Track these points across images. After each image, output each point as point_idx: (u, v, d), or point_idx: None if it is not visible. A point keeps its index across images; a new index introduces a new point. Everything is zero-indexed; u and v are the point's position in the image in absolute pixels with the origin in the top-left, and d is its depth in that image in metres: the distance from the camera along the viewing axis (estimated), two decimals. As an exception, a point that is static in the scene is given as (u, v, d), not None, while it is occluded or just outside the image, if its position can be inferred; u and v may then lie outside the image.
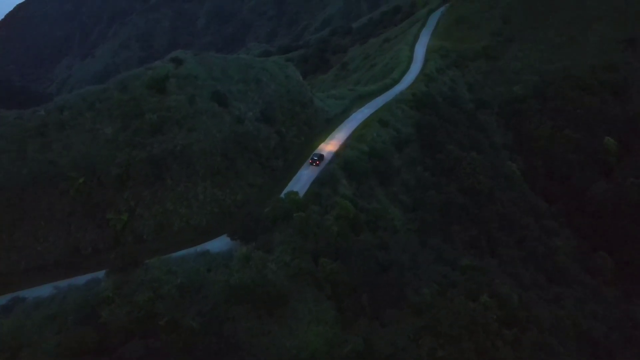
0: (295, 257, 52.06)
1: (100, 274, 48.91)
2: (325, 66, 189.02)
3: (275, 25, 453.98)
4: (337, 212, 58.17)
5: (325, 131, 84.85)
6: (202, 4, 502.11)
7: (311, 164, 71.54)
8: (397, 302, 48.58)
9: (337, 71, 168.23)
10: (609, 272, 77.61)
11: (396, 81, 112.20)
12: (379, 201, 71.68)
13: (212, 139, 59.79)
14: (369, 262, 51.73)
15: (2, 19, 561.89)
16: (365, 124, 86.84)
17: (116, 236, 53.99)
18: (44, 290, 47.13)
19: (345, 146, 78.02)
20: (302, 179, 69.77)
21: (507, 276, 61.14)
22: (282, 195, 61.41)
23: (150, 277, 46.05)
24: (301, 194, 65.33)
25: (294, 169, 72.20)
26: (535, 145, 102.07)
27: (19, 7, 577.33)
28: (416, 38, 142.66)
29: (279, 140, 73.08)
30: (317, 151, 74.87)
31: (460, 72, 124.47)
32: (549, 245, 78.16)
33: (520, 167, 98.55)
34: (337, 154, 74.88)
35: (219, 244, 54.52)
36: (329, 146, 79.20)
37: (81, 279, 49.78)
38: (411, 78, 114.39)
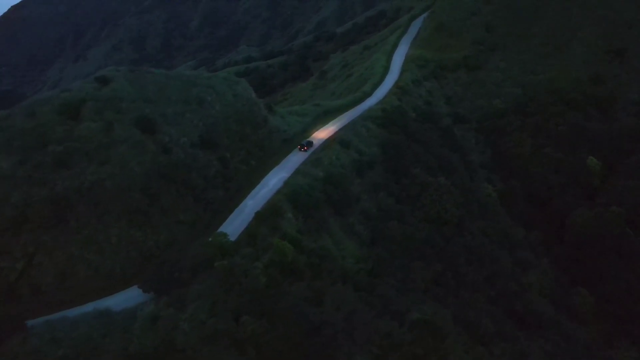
0: (213, 314, 44.98)
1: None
2: (306, 74, 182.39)
3: (269, 28, 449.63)
4: (269, 257, 51.04)
5: (280, 153, 77.87)
6: (196, 6, 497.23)
7: (299, 149, 76.88)
8: (326, 372, 41.41)
9: (315, 80, 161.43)
10: (588, 311, 70.48)
11: (367, 94, 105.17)
12: (331, 235, 64.56)
13: (129, 173, 52.57)
14: (298, 321, 44.54)
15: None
16: (325, 146, 79.78)
17: (10, 288, 46.78)
18: None
19: (296, 172, 71.04)
20: (246, 210, 62.80)
21: (466, 328, 53.91)
22: (217, 233, 54.40)
23: (27, 348, 38.90)
24: (239, 231, 58.57)
25: (238, 199, 65.21)
26: (514, 165, 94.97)
27: (13, 9, 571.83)
28: (395, 46, 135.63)
29: (221, 167, 65.95)
30: (309, 139, 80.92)
31: (439, 83, 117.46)
32: (521, 282, 71.00)
33: (498, 189, 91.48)
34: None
35: (128, 296, 47.40)
36: (283, 172, 72.38)
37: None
38: (384, 91, 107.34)
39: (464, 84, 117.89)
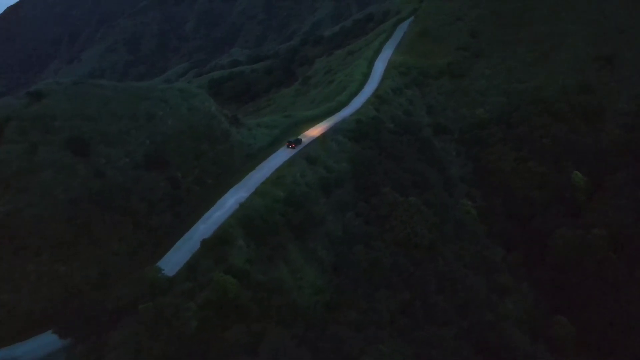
0: (134, 366, 39.99)
1: None
2: (291, 79, 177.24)
3: (265, 29, 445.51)
4: (206, 295, 46.04)
5: (242, 170, 72.90)
6: (191, 8, 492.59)
7: (287, 146, 77.34)
8: None
9: (299, 85, 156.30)
10: (569, 342, 65.40)
11: (343, 104, 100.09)
12: (288, 262, 59.58)
13: (53, 201, 47.56)
14: (229, 373, 39.58)
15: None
16: (290, 162, 74.77)
17: None
18: None
19: (255, 192, 66.04)
20: (196, 236, 57.68)
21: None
22: (149, 268, 49.34)
23: None
24: (185, 260, 53.54)
25: (188, 224, 60.17)
26: (495, 180, 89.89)
27: (9, 10, 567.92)
28: (377, 52, 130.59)
29: (170, 188, 60.95)
30: (298, 136, 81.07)
31: (421, 91, 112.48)
32: (497, 311, 65.98)
33: (479, 205, 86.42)
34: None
35: (44, 342, 42.38)
36: (242, 191, 67.44)
37: None
38: (362, 100, 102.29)
39: (447, 92, 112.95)
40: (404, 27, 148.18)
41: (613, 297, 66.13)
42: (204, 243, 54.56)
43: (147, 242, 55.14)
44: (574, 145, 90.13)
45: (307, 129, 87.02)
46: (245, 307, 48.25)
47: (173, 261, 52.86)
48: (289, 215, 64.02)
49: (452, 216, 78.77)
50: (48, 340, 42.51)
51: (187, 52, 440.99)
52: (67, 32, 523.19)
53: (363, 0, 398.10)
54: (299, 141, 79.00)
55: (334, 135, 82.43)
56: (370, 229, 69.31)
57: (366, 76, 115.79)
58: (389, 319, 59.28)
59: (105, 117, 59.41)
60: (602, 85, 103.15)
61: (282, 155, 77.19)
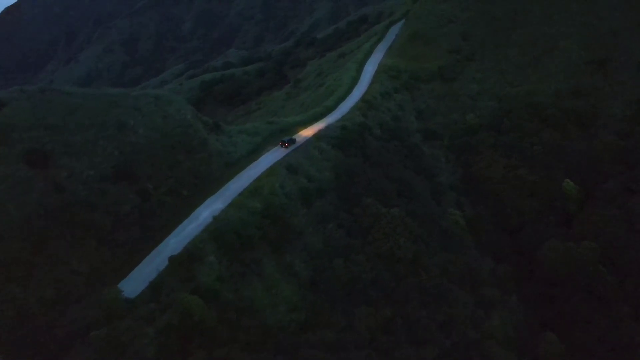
0: (84, 398, 37.41)
1: None
2: (283, 81, 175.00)
3: (263, 30, 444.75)
4: (167, 318, 43.41)
5: (220, 180, 70.26)
6: (189, 8, 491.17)
7: (281, 145, 76.45)
8: None
9: (289, 89, 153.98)
10: (557, 360, 62.72)
11: (329, 109, 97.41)
12: (263, 279, 56.97)
13: (5, 218, 44.95)
14: (185, 406, 36.97)
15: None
16: (270, 171, 72.08)
17: None
18: None
19: (230, 204, 63.38)
20: (166, 251, 54.91)
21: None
22: (108, 289, 46.65)
23: None
24: (149, 280, 50.82)
25: (158, 238, 57.48)
26: (485, 188, 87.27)
27: (7, 10, 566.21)
28: (368, 55, 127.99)
29: (140, 201, 58.30)
30: (292, 136, 79.96)
31: (411, 95, 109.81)
32: (482, 327, 63.26)
33: (467, 215, 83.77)
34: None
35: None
36: (219, 202, 64.81)
37: None
38: (349, 105, 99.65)
39: (438, 96, 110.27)
40: (396, 29, 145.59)
41: (603, 314, 63.48)
42: (172, 260, 51.92)
43: (112, 260, 52.43)
44: (565, 152, 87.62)
45: (293, 135, 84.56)
46: (211, 330, 45.72)
47: (138, 280, 50.19)
48: (265, 228, 61.44)
49: (438, 227, 76.15)
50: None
51: (185, 53, 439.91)
52: (64, 32, 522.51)
53: (361, 1, 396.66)
54: (292, 140, 77.64)
55: (317, 143, 79.72)
56: (351, 242, 66.64)
57: (355, 80, 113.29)
58: (369, 337, 56.78)
59: (71, 126, 56.82)
60: (595, 89, 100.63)
61: (263, 163, 74.58)
